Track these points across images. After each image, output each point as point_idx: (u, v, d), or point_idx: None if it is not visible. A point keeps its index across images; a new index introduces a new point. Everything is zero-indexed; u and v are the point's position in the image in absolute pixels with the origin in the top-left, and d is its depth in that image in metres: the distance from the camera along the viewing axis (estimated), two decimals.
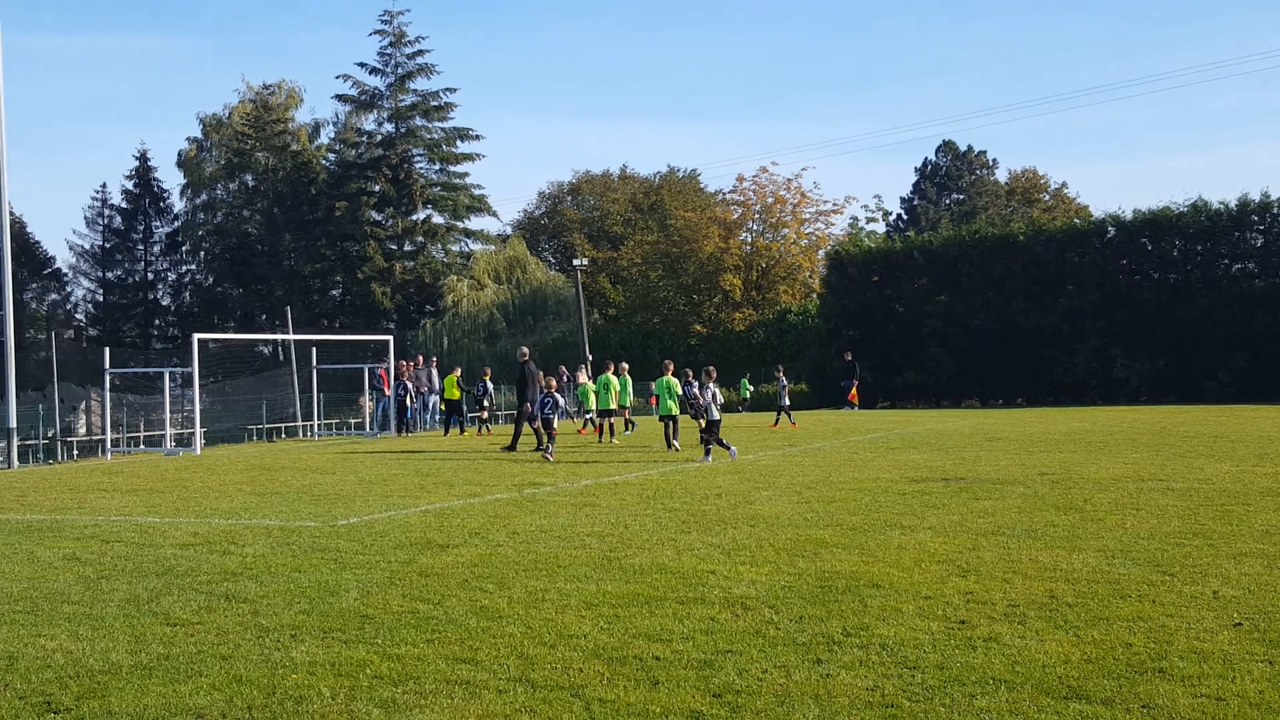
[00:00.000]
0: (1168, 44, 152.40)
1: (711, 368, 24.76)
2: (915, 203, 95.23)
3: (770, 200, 70.21)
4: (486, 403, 34.49)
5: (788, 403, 36.11)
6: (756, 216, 71.32)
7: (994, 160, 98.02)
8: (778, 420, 35.46)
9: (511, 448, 26.44)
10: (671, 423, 25.97)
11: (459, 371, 36.76)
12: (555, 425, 24.67)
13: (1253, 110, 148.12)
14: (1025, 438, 27.00)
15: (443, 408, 36.70)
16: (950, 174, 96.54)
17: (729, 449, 23.30)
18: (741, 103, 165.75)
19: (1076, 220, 59.29)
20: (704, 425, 23.45)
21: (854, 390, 48.94)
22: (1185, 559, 10.57)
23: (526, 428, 27.31)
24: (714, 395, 23.52)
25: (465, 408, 36.29)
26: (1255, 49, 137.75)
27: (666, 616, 8.66)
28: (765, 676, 7.06)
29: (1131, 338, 48.78)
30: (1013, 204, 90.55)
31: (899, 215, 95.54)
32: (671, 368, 27.30)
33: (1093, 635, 7.88)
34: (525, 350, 29.26)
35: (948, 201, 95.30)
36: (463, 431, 34.73)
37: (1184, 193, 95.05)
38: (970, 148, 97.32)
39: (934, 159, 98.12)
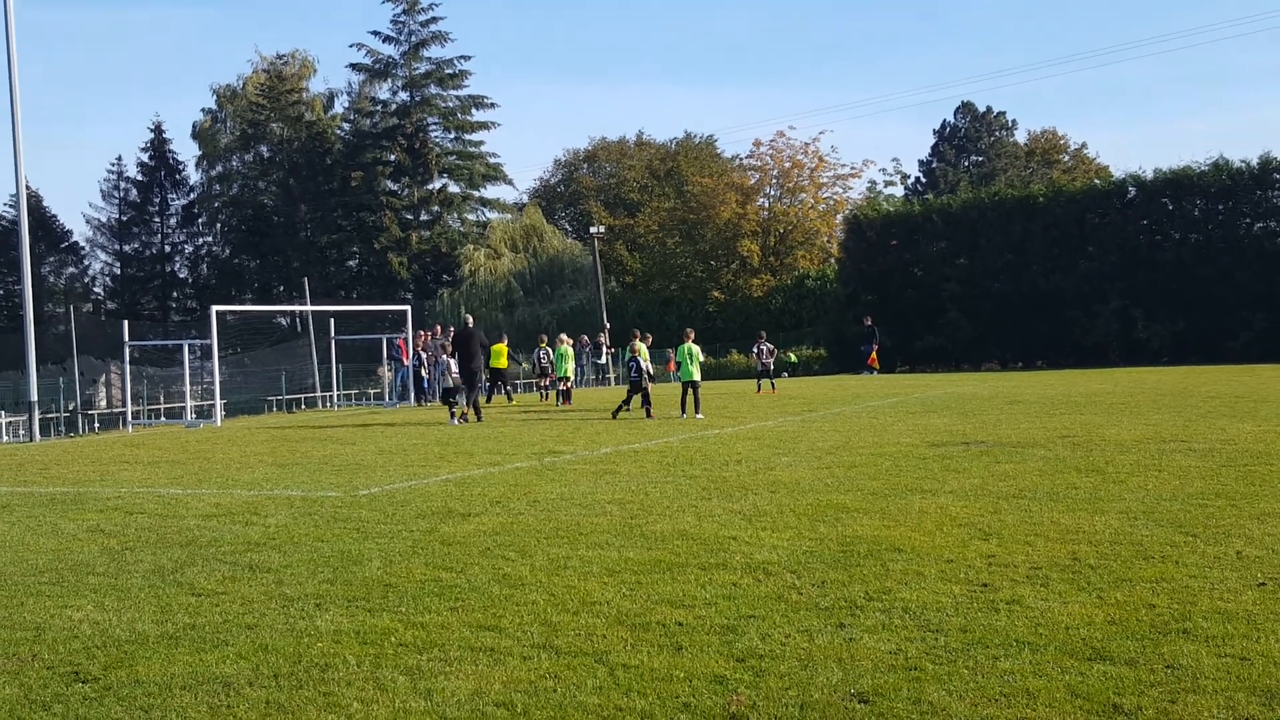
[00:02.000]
0: (1188, 1, 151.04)
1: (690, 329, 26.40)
2: (934, 165, 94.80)
3: (788, 165, 70.03)
4: (551, 370, 34.81)
5: (771, 367, 36.05)
6: (774, 181, 71.16)
7: (1013, 121, 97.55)
8: (760, 386, 35.51)
9: (479, 414, 26.57)
10: (692, 389, 26.06)
11: (506, 340, 37.23)
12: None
13: (1275, 68, 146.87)
14: (1046, 400, 26.93)
15: (486, 378, 37.16)
16: (969, 136, 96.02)
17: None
18: (758, 66, 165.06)
19: (1097, 181, 59.01)
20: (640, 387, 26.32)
21: (874, 355, 48.90)
22: (1208, 520, 10.56)
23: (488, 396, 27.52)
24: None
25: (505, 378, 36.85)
26: (1277, 5, 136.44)
27: (689, 582, 8.69)
28: (788, 641, 7.09)
29: (1152, 299, 48.59)
30: (1032, 165, 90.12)
31: (917, 178, 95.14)
32: (692, 335, 27.34)
33: (1116, 597, 7.88)
34: (469, 316, 29.76)
35: (966, 164, 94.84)
36: (509, 400, 35.29)
37: (1205, 152, 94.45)
38: (989, 109, 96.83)
39: (952, 121, 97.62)
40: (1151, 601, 7.74)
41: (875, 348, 49.16)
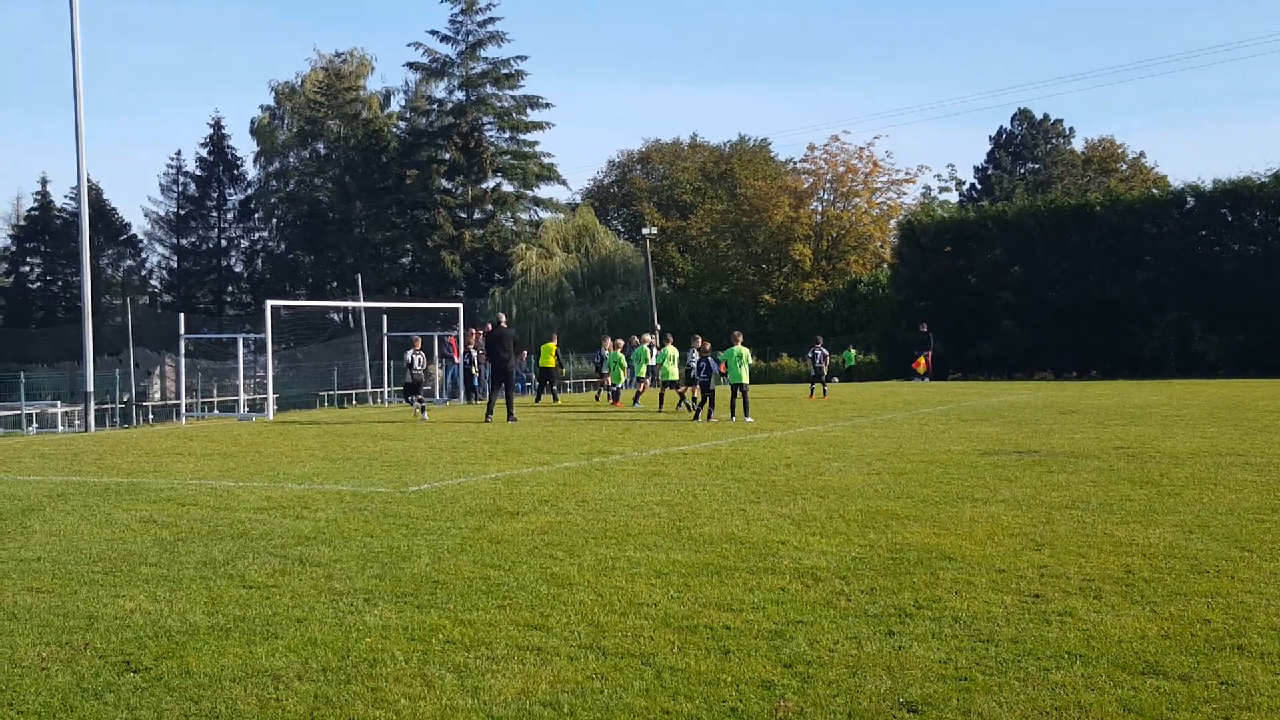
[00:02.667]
0: (1249, 9, 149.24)
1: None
2: (989, 172, 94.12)
3: (841, 169, 69.74)
4: (605, 371, 34.79)
5: (825, 371, 36.07)
6: (827, 185, 70.90)
7: (1070, 129, 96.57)
8: (812, 391, 35.41)
9: (489, 417, 26.44)
10: (741, 392, 26.05)
11: (555, 340, 37.44)
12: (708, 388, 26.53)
13: None
14: (1100, 411, 26.70)
15: (534, 377, 37.64)
16: (1025, 143, 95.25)
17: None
18: (814, 70, 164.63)
19: (1155, 190, 58.39)
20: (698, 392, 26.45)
21: (921, 360, 48.67)
22: (1264, 534, 10.42)
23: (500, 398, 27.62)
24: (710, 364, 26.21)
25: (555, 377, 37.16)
26: None
27: (737, 586, 8.67)
28: (837, 647, 7.06)
29: (1211, 310, 48.03)
30: (1089, 174, 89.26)
31: (972, 185, 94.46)
32: (740, 338, 27.36)
33: (1170, 611, 7.79)
34: (502, 316, 29.88)
35: (1023, 171, 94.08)
36: (555, 399, 35.43)
37: (1265, 163, 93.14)
38: (1046, 116, 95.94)
39: (1009, 127, 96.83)
40: (1206, 616, 7.64)
41: (927, 354, 48.93)
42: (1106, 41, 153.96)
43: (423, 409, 28.72)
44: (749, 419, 25.47)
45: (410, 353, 29.74)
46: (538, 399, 36.26)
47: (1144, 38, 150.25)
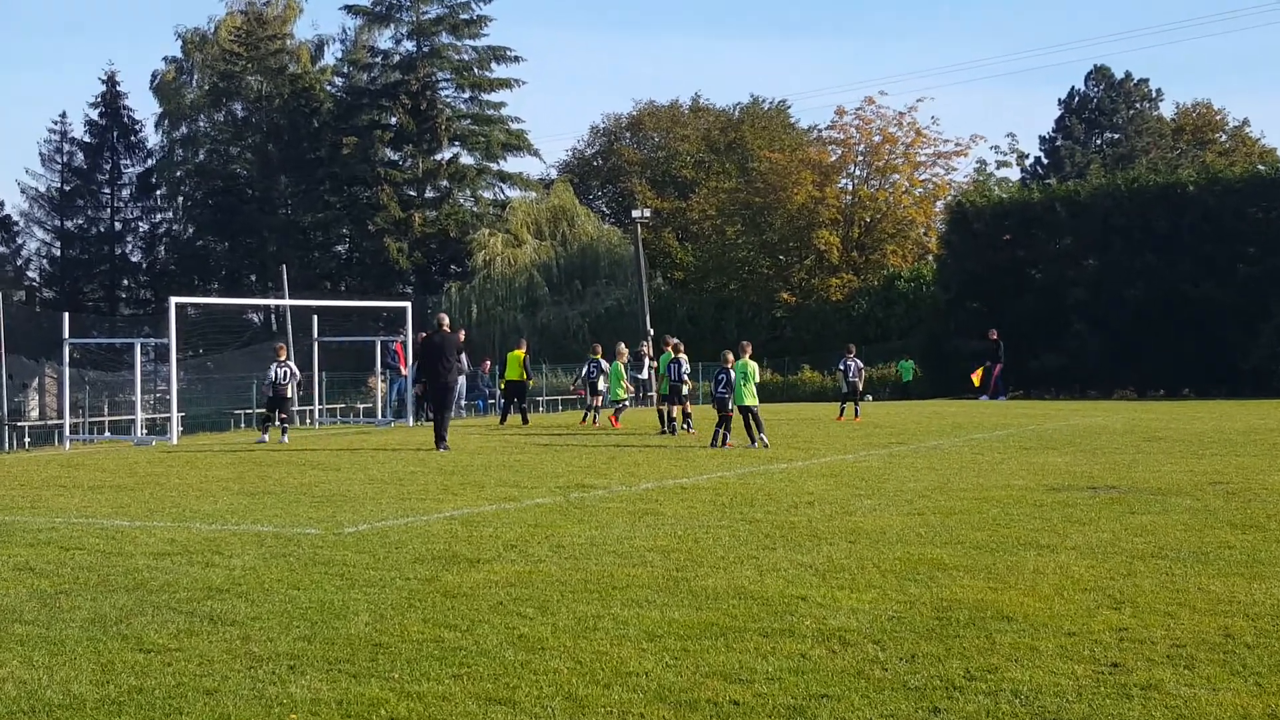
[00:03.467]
0: None
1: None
2: (1058, 143, 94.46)
3: (877, 139, 70.00)
4: (602, 385, 34.41)
5: (859, 388, 36.02)
6: (859, 159, 71.15)
7: (1158, 91, 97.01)
8: (842, 411, 35.26)
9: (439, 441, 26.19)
10: (750, 415, 26.08)
11: (525, 347, 37.26)
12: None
13: None
14: (1193, 437, 26.73)
15: (501, 387, 37.54)
16: (1102, 108, 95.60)
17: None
18: (843, 16, 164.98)
19: (1260, 166, 58.69)
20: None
21: (979, 371, 48.73)
22: None
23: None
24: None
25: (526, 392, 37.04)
26: None
27: (747, 652, 8.67)
28: None
29: None
30: (1180, 146, 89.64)
31: (1037, 159, 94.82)
32: (749, 349, 27.45)
33: (1278, 684, 7.80)
34: (444, 317, 29.31)
35: (1099, 142, 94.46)
36: (525, 420, 35.28)
37: None
38: (1128, 75, 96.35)
39: (1082, 89, 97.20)
40: None
41: (989, 366, 48.78)
42: None
43: (283, 430, 30.01)
44: (766, 443, 25.50)
45: (274, 365, 30.81)
46: (503, 419, 36.19)
47: None
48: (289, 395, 30.88)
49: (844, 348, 38.48)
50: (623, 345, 35.89)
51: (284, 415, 30.43)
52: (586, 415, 34.97)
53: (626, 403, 33.09)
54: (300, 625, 9.55)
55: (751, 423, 26.04)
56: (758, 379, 27.17)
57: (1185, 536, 13.24)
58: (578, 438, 29.49)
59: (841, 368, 36.46)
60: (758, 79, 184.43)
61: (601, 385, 33.60)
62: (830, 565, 11.78)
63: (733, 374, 26.25)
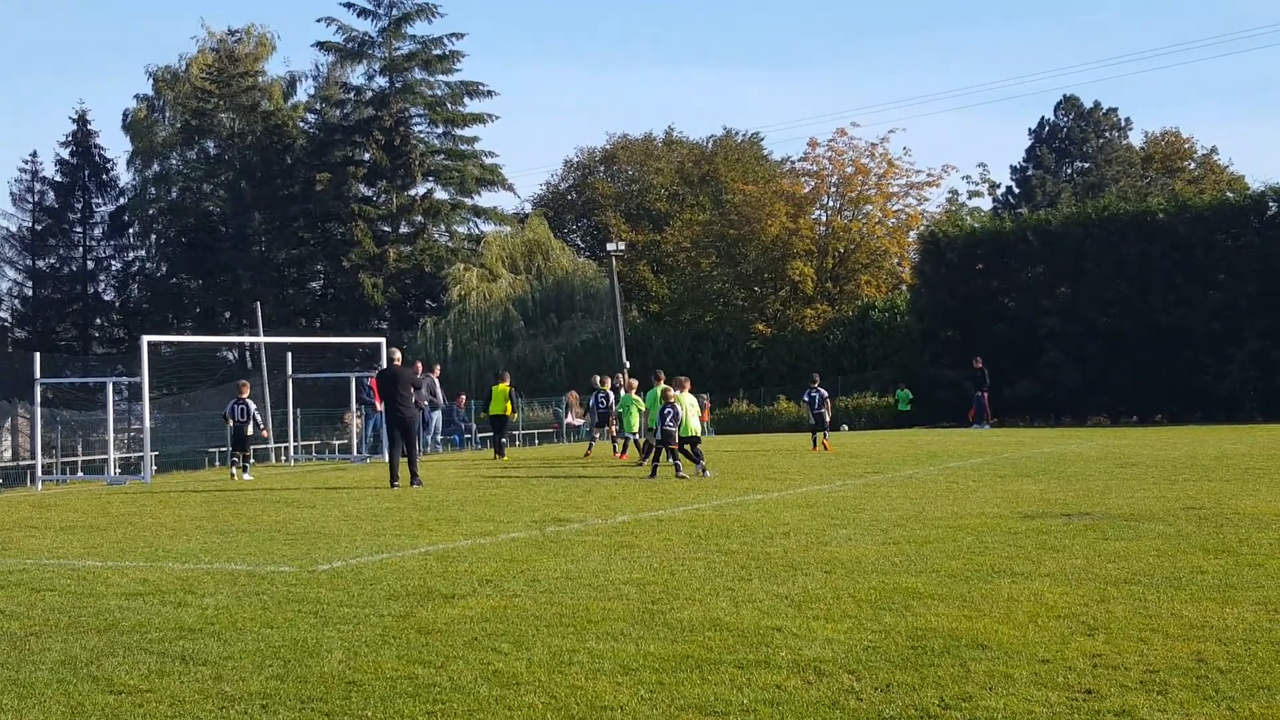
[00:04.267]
0: None
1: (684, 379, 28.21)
2: (1029, 173, 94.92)
3: (850, 170, 70.21)
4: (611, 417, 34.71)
5: (826, 418, 35.92)
6: (832, 190, 71.36)
7: (1126, 120, 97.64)
8: (815, 442, 35.21)
9: (394, 481, 25.96)
10: (693, 445, 27.15)
11: (509, 380, 37.38)
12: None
13: None
14: (1166, 463, 26.82)
15: (483, 417, 37.76)
16: (1073, 137, 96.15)
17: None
18: (814, 48, 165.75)
19: (1230, 194, 58.92)
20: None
21: (972, 409, 49.01)
22: None
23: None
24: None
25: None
26: None
27: (722, 684, 8.65)
28: None
29: None
30: (1150, 174, 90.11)
31: (1009, 188, 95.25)
32: (688, 384, 28.80)
33: (1250, 709, 7.81)
34: (396, 352, 29.69)
35: (1069, 171, 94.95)
36: (501, 454, 35.78)
37: None
38: (1097, 105, 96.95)
39: (1052, 118, 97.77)
40: None
41: (979, 397, 48.99)
42: (1169, 15, 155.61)
43: (244, 468, 30.41)
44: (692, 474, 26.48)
45: (232, 402, 31.39)
46: (497, 453, 36.26)
47: (1215, 10, 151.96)
48: (249, 433, 31.09)
49: (809, 378, 38.44)
50: (633, 380, 36.01)
51: (244, 453, 30.78)
52: (591, 446, 35.31)
53: (636, 435, 32.88)
54: (273, 664, 9.51)
55: (692, 451, 26.93)
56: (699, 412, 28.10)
57: (1158, 562, 13.26)
58: (558, 471, 29.46)
59: (806, 399, 36.39)
60: (730, 112, 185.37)
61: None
62: (806, 596, 11.77)
63: (678, 407, 26.68)
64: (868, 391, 59.27)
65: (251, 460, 30.75)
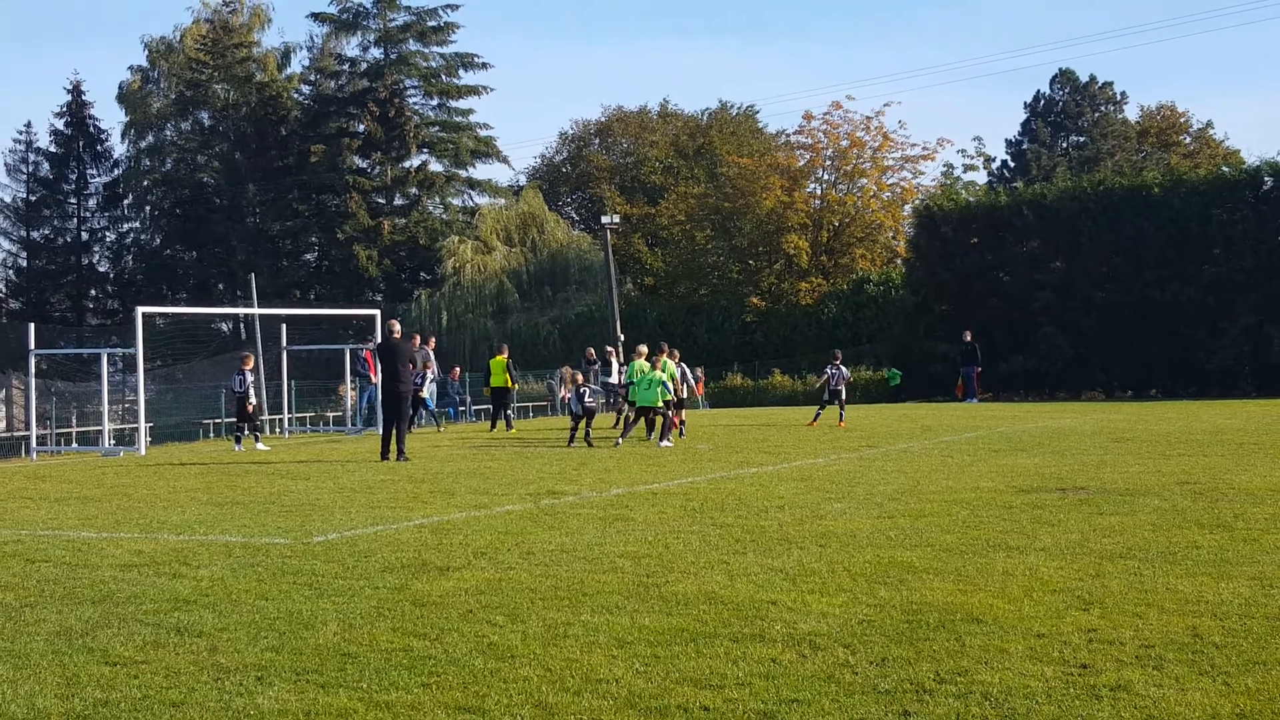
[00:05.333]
0: None
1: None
2: (1024, 146, 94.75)
3: (845, 143, 69.97)
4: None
5: (843, 395, 35.23)
6: (827, 163, 71.14)
7: (1122, 94, 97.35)
8: (817, 417, 34.59)
9: (385, 454, 25.89)
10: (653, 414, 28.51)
11: (507, 352, 37.38)
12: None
13: None
14: (1161, 438, 26.85)
15: (486, 394, 37.76)
16: (1068, 111, 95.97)
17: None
18: (809, 21, 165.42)
19: (1225, 168, 58.84)
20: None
21: (959, 384, 49.08)
22: None
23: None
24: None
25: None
26: None
27: (717, 657, 8.65)
28: None
29: None
30: (1145, 148, 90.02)
31: (1004, 162, 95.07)
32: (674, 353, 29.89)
33: (1245, 683, 7.82)
34: (395, 324, 29.24)
35: (1064, 145, 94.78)
36: (509, 426, 36.01)
37: None
38: (1093, 78, 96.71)
39: (1048, 92, 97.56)
40: None
41: (966, 372, 49.05)
42: None
43: (255, 439, 31.02)
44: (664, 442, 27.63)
45: (235, 374, 31.78)
46: (493, 425, 36.33)
47: None
48: (251, 405, 31.32)
49: (830, 355, 37.69)
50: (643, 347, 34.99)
51: (250, 424, 31.12)
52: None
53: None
54: (268, 636, 9.51)
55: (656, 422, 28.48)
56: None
57: (1153, 537, 13.28)
58: (552, 444, 29.47)
59: (829, 374, 35.37)
60: (726, 84, 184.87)
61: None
62: (800, 569, 11.78)
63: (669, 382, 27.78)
64: (862, 365, 59.19)
65: (261, 431, 31.19)
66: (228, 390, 31.35)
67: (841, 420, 34.17)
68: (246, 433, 30.82)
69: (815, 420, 34.44)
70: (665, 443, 27.63)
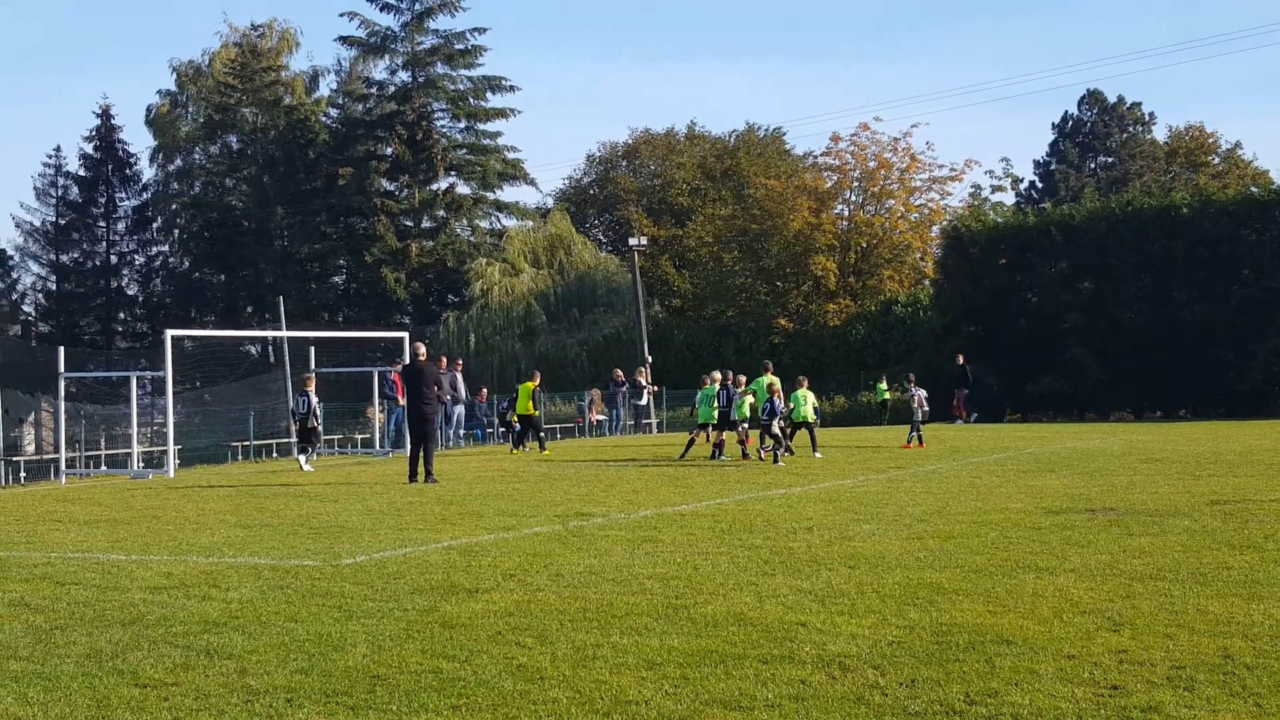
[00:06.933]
0: None
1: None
2: (1052, 167, 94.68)
3: (872, 165, 69.99)
4: (733, 413, 33.00)
5: (922, 416, 34.96)
6: (855, 185, 71.14)
7: (1150, 115, 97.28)
8: (921, 440, 34.16)
9: (413, 476, 25.81)
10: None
11: (538, 379, 37.53)
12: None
13: None
14: (1190, 459, 26.75)
15: (514, 419, 37.91)
16: (1096, 132, 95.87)
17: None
18: (837, 43, 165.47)
19: (1254, 188, 58.71)
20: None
21: (956, 405, 49.14)
22: None
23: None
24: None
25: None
26: None
27: (746, 679, 8.65)
28: None
29: None
30: (1174, 169, 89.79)
31: (1032, 183, 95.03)
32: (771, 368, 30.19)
33: (1277, 705, 7.79)
34: (421, 346, 29.46)
35: (1093, 166, 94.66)
36: (543, 448, 36.30)
37: None
38: (1121, 99, 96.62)
39: (1076, 113, 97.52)
40: None
41: (963, 394, 49.28)
42: (1193, 9, 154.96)
43: (311, 457, 31.76)
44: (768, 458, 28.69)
45: (298, 396, 32.59)
46: (514, 447, 36.48)
47: (1240, 4, 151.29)
48: (311, 425, 31.97)
49: (905, 377, 38.16)
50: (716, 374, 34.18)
51: (312, 444, 32.08)
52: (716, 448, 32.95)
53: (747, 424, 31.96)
54: (298, 658, 9.52)
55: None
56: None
57: (1183, 558, 13.23)
58: (581, 463, 29.48)
59: (911, 394, 35.47)
60: (753, 106, 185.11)
61: (732, 414, 31.61)
62: (829, 591, 11.76)
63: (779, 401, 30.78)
64: (895, 386, 59.09)
65: (313, 454, 32.07)
66: (290, 411, 31.97)
67: (909, 442, 33.80)
68: (311, 452, 31.65)
69: (921, 443, 33.74)
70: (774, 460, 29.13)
